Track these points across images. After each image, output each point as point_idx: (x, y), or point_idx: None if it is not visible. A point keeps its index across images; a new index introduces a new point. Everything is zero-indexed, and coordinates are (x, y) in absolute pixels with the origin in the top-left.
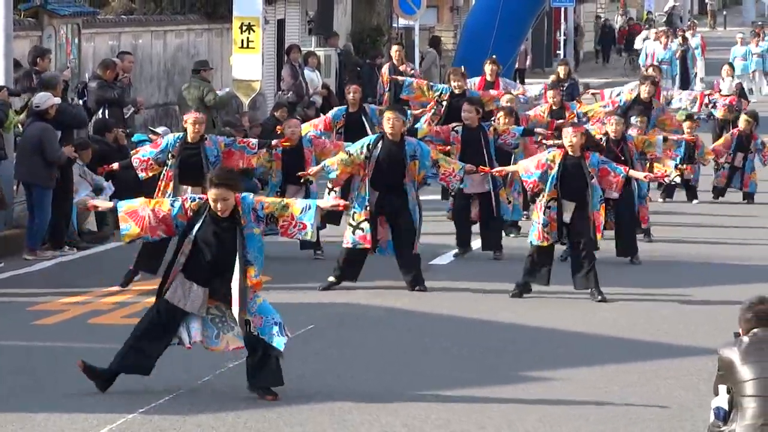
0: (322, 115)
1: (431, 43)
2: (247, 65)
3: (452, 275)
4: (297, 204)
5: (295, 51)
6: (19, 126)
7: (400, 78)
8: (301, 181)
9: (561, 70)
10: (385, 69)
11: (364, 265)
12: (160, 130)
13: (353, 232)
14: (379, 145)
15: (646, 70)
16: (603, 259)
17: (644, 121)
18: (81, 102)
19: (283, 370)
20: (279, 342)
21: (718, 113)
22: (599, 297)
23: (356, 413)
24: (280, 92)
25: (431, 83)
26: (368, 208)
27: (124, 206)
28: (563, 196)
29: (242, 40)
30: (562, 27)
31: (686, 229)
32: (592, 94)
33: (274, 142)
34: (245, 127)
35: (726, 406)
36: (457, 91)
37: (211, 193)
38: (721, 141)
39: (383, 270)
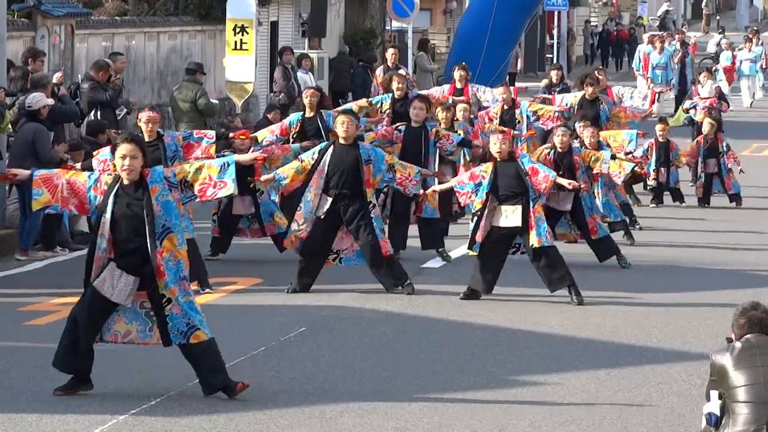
0: None
1: (419, 46)
2: (241, 67)
3: (443, 278)
4: (214, 164)
5: (288, 53)
6: (10, 127)
7: (340, 108)
8: (251, 186)
9: (554, 75)
10: (379, 71)
11: (356, 268)
12: None
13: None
14: (330, 151)
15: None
16: (592, 264)
17: (587, 125)
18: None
19: (273, 373)
20: (175, 338)
21: (698, 116)
22: (576, 299)
23: (347, 416)
24: (272, 94)
25: (370, 99)
26: (313, 214)
27: (40, 173)
28: (503, 201)
29: (235, 42)
30: (555, 31)
31: (676, 234)
32: (543, 99)
33: (231, 134)
34: (237, 128)
35: (718, 412)
36: (398, 95)
37: (122, 149)
38: (687, 149)
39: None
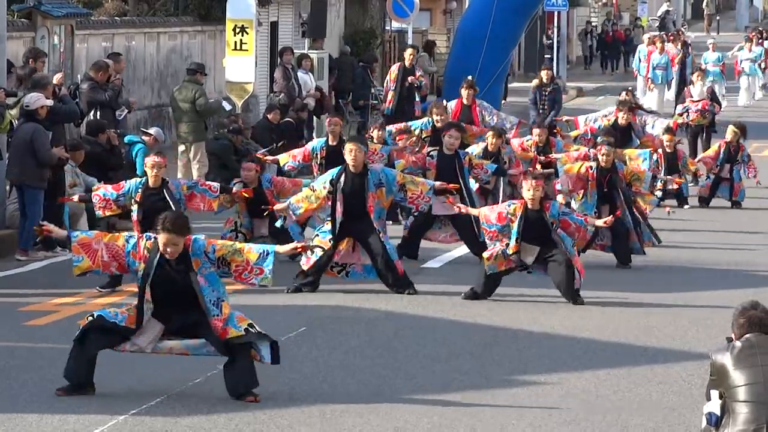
0: (315, 117)
1: (425, 47)
2: (241, 67)
3: (443, 279)
4: (254, 250)
5: (288, 53)
6: (14, 121)
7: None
8: (265, 214)
9: (544, 75)
10: (394, 68)
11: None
12: (152, 131)
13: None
14: (342, 178)
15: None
16: (593, 263)
17: (612, 142)
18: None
19: (273, 373)
20: (266, 353)
21: (691, 118)
22: (578, 300)
23: (347, 416)
24: (272, 94)
25: (409, 124)
26: (331, 240)
27: (78, 237)
28: (528, 242)
29: (235, 42)
30: (554, 31)
31: (677, 235)
32: (566, 121)
33: (234, 189)
34: (241, 127)
35: (718, 411)
36: (438, 125)
37: (162, 237)
38: (709, 152)
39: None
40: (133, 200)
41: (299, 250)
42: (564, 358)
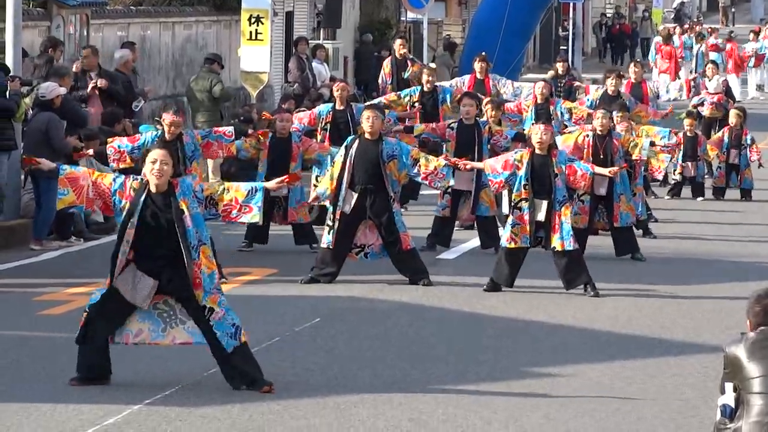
0: None
1: (446, 47)
2: (256, 57)
3: (458, 270)
4: (242, 188)
5: (303, 43)
6: (29, 111)
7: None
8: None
9: (559, 66)
10: (387, 62)
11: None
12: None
13: (329, 232)
14: (355, 145)
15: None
16: (606, 256)
17: (625, 115)
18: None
19: (288, 364)
20: (229, 343)
21: (706, 111)
22: (592, 292)
23: (362, 407)
24: (286, 84)
25: (398, 93)
26: (340, 208)
27: (66, 170)
28: (535, 195)
29: (251, 32)
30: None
31: (690, 226)
32: (576, 87)
33: (250, 131)
34: (254, 118)
35: (732, 404)
36: (426, 88)
37: (154, 153)
38: (714, 139)
39: (389, 264)
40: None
41: (287, 181)
42: (578, 350)
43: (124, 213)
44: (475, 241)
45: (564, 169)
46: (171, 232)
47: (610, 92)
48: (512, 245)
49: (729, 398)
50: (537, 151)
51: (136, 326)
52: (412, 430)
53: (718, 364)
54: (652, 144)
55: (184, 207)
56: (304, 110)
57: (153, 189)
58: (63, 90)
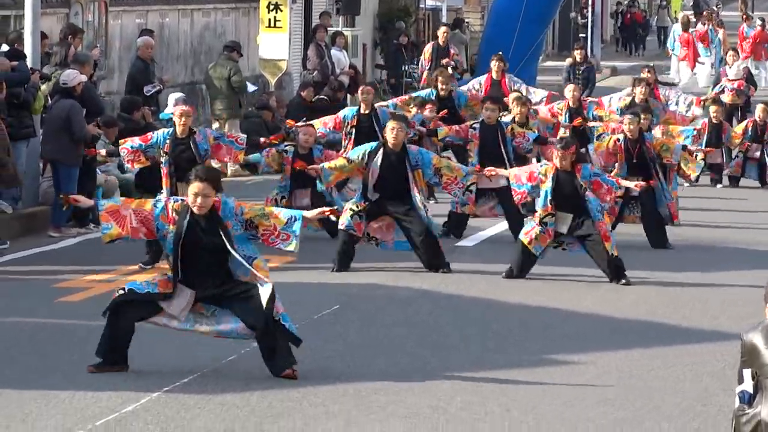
0: (348, 95)
1: (454, 25)
2: (274, 45)
3: (478, 257)
4: (282, 215)
5: (322, 30)
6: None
7: (384, 104)
8: (297, 170)
9: (577, 54)
10: (428, 48)
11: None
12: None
13: (351, 216)
14: (380, 153)
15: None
16: (626, 243)
17: (648, 118)
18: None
19: (307, 351)
20: (294, 329)
21: (726, 98)
22: (623, 281)
23: (381, 394)
24: (305, 72)
25: (412, 94)
26: (366, 202)
27: (106, 205)
28: (558, 208)
29: (269, 20)
30: (590, 9)
31: (710, 214)
32: (591, 102)
33: (262, 139)
34: (267, 102)
35: (751, 390)
36: (442, 93)
37: (194, 187)
38: (737, 130)
39: (407, 252)
40: (162, 151)
41: (327, 214)
42: (597, 338)
43: (171, 238)
44: (493, 229)
45: (589, 184)
46: (213, 253)
47: (637, 101)
48: (527, 242)
49: (747, 385)
50: (560, 169)
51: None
52: (431, 417)
53: (736, 352)
54: (684, 148)
55: (228, 228)
56: (323, 98)
57: (196, 211)
58: (84, 78)
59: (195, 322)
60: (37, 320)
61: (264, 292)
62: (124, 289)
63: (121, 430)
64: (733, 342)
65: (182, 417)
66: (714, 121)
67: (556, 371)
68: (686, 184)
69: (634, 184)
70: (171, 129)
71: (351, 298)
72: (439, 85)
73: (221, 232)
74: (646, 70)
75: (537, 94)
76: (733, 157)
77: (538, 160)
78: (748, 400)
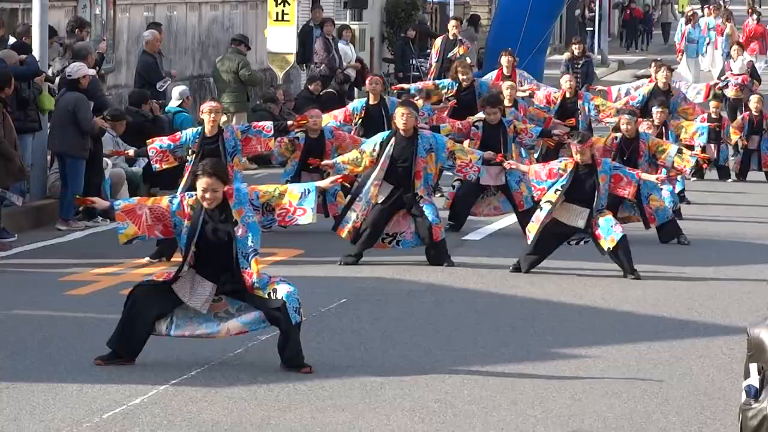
0: (355, 89)
1: (470, 21)
2: (282, 38)
3: (485, 251)
4: (295, 190)
5: (329, 24)
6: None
7: (406, 86)
8: (311, 167)
9: (575, 48)
10: (438, 41)
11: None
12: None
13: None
14: (392, 141)
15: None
16: (633, 238)
17: (665, 111)
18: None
19: (314, 344)
20: (295, 317)
21: (730, 93)
22: (633, 275)
23: (388, 388)
24: (313, 65)
25: (436, 82)
26: (370, 204)
27: (121, 205)
28: (574, 201)
29: (277, 13)
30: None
31: (718, 208)
32: (599, 90)
33: (289, 122)
34: (280, 100)
35: (757, 384)
36: (464, 84)
37: (202, 182)
38: (736, 123)
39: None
40: (190, 150)
41: (340, 181)
42: (605, 331)
43: (186, 233)
44: (500, 223)
45: (608, 179)
46: (229, 243)
47: (660, 85)
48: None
49: (754, 379)
50: (580, 163)
51: (195, 329)
52: (438, 411)
53: (744, 346)
54: (680, 151)
55: (238, 218)
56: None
57: (206, 205)
58: (92, 72)
59: (219, 321)
60: (44, 313)
61: (282, 289)
62: (139, 284)
63: (129, 423)
64: (741, 336)
65: (189, 410)
66: (713, 116)
67: (563, 365)
68: (693, 179)
69: (655, 178)
70: (199, 128)
71: (358, 292)
72: (460, 76)
73: (230, 224)
74: (654, 64)
75: (543, 90)
76: (732, 155)
77: (538, 158)
78: (755, 394)
